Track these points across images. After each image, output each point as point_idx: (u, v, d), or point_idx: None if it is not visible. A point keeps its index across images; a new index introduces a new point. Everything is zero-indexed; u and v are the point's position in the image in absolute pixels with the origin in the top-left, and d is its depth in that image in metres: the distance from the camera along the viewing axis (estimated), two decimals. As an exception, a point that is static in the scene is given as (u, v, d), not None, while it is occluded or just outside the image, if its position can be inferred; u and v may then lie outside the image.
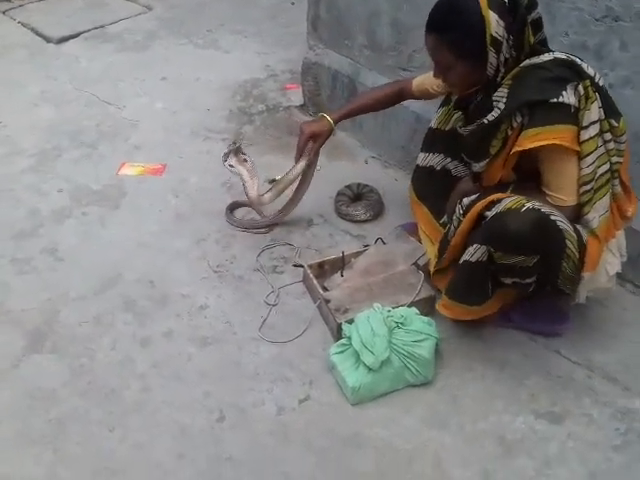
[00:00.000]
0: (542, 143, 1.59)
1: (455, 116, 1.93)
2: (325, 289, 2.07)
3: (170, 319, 2.03)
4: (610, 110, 1.65)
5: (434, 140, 2.07)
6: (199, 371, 1.88)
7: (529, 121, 1.61)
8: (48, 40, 3.68)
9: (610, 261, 1.75)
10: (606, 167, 1.67)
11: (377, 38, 2.55)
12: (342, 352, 1.82)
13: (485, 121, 1.69)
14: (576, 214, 1.68)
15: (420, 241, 2.15)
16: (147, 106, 3.11)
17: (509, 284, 1.76)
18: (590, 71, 1.63)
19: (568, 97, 1.57)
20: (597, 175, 1.65)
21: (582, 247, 1.66)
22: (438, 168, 2.09)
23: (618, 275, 2.00)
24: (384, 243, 2.22)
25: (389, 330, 1.78)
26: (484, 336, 1.93)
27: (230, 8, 3.99)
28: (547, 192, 1.68)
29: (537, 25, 1.65)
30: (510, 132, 1.67)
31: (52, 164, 2.72)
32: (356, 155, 2.77)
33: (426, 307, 1.97)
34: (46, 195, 2.55)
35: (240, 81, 3.28)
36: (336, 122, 2.16)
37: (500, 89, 1.67)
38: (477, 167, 1.80)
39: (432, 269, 1.96)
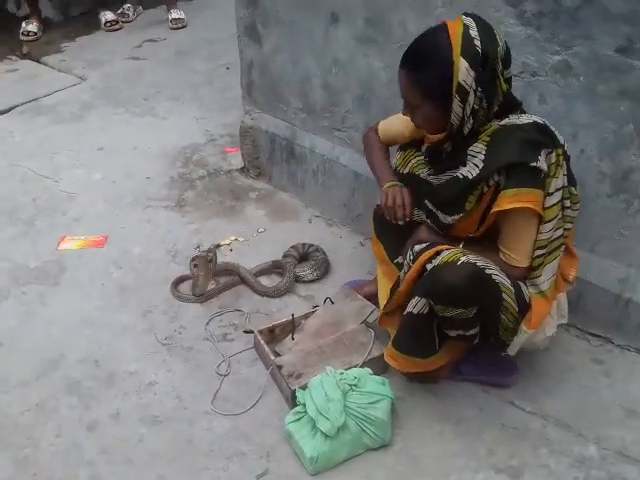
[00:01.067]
0: (519, 205, 1.61)
1: (413, 161, 1.90)
2: (277, 354, 2.05)
3: (118, 399, 1.96)
4: (570, 178, 1.71)
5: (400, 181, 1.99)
6: (151, 452, 1.81)
7: (506, 182, 1.63)
8: (-20, 115, 3.62)
9: (549, 322, 1.77)
10: (560, 232, 1.72)
11: (310, 101, 2.62)
12: (298, 420, 1.79)
13: (460, 175, 1.70)
14: (525, 276, 1.72)
15: (368, 298, 2.16)
16: (85, 177, 3.06)
17: (454, 337, 1.78)
18: (561, 139, 1.68)
19: (542, 163, 1.60)
20: (550, 240, 1.70)
21: (520, 300, 1.69)
22: None
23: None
24: (332, 303, 2.23)
25: (343, 393, 1.76)
26: (438, 391, 1.93)
27: (166, 75, 4.01)
28: (503, 249, 1.71)
29: (509, 83, 1.67)
30: (485, 189, 1.68)
31: (-13, 244, 2.64)
32: (300, 215, 2.80)
33: (379, 366, 1.97)
34: (-19, 277, 2.46)
35: (179, 147, 3.28)
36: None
37: (476, 144, 1.67)
38: (449, 220, 1.78)
39: (381, 310, 1.96)
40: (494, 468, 1.73)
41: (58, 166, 3.15)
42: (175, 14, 4.68)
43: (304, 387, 1.84)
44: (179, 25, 4.66)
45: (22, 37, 4.51)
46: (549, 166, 1.63)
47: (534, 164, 1.59)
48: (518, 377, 1.95)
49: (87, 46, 4.48)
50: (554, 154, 1.63)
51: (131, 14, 4.83)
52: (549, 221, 1.67)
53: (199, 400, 1.95)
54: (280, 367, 1.94)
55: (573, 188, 1.71)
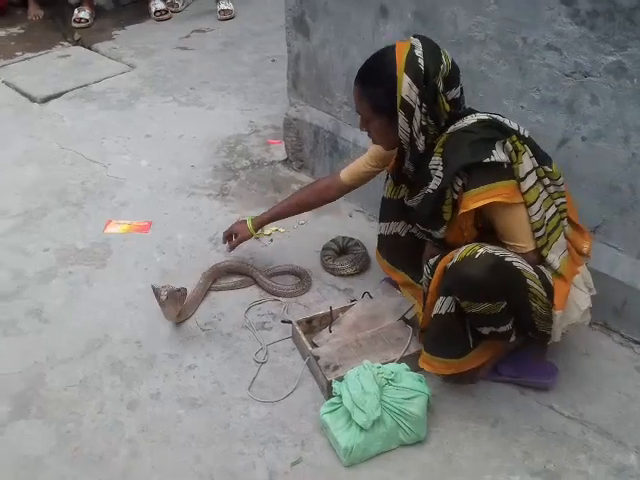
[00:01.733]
0: (484, 202, 1.64)
1: (402, 190, 2.00)
2: (314, 345, 2.06)
3: (158, 380, 2.01)
4: (541, 157, 1.72)
5: (390, 209, 2.10)
6: (188, 434, 1.85)
7: (468, 183, 1.66)
8: (32, 99, 3.71)
9: (579, 296, 1.77)
10: (553, 210, 1.74)
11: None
12: (333, 411, 1.80)
13: (430, 191, 1.75)
14: (539, 258, 1.72)
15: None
16: (132, 164, 3.13)
17: (487, 334, 1.77)
18: (514, 126, 1.70)
19: (499, 155, 1.62)
20: (546, 219, 1.71)
21: (548, 286, 1.70)
22: (403, 234, 2.12)
23: (605, 326, 2.03)
24: (371, 297, 2.23)
25: (380, 387, 1.77)
26: (475, 391, 1.92)
27: (213, 66, 4.06)
28: (505, 243, 1.73)
29: (456, 104, 1.72)
30: (456, 196, 1.71)
31: (37, 224, 2.72)
32: (341, 209, 2.81)
33: (416, 363, 1.96)
34: (31, 255, 2.54)
35: (224, 137, 3.32)
36: (256, 228, 2.35)
37: (433, 157, 1.74)
38: (438, 234, 1.83)
39: (418, 330, 2.00)
40: (530, 471, 1.72)
41: (106, 151, 3.22)
42: (224, 5, 4.73)
43: (340, 379, 1.85)
44: (227, 16, 4.71)
45: (74, 24, 4.61)
46: (509, 154, 1.64)
47: (487, 160, 1.61)
48: (557, 380, 1.93)
49: (137, 34, 4.57)
50: (508, 142, 1.64)
51: (180, 4, 4.90)
52: (533, 203, 1.68)
53: (236, 386, 1.99)
54: (317, 358, 1.96)
55: (546, 166, 1.71)
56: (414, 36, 1.72)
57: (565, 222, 1.79)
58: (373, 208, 2.72)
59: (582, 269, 1.82)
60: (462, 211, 1.68)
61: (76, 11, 4.65)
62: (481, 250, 1.63)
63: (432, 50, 1.68)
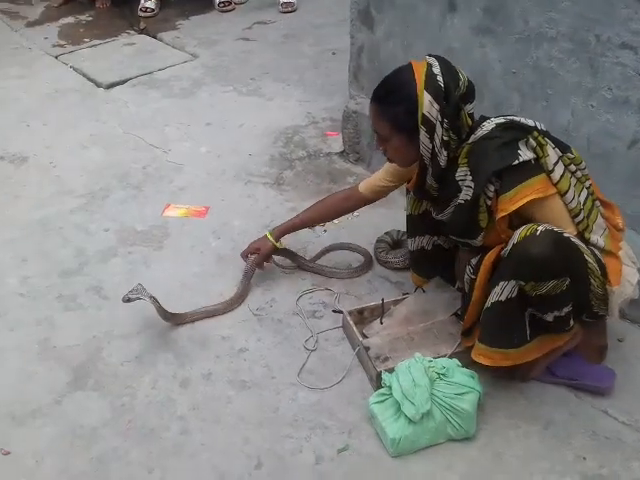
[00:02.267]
0: (522, 202, 1.67)
1: (424, 203, 2.03)
2: (364, 336, 2.07)
3: (210, 361, 2.05)
4: (561, 146, 1.75)
5: (415, 224, 2.13)
6: (238, 415, 1.88)
7: (502, 187, 1.68)
8: (98, 85, 3.83)
9: (627, 272, 1.77)
10: (585, 193, 1.76)
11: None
12: (382, 402, 1.80)
13: (461, 201, 1.77)
14: (582, 241, 1.72)
15: None
16: (192, 150, 3.19)
17: (550, 321, 1.74)
18: (530, 122, 1.73)
19: (525, 154, 1.66)
20: (582, 204, 1.73)
21: (600, 263, 1.70)
22: (429, 248, 2.13)
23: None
24: (424, 291, 2.22)
25: (430, 381, 1.76)
26: (527, 391, 1.89)
27: (274, 57, 4.10)
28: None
29: (471, 116, 1.76)
30: (489, 202, 1.73)
31: (100, 204, 2.80)
32: (395, 202, 2.78)
33: (468, 358, 1.95)
34: (93, 234, 2.62)
35: (282, 128, 3.35)
36: (276, 239, 2.32)
37: (459, 169, 1.76)
38: (476, 242, 1.83)
39: (460, 332, 1.98)
40: (582, 475, 1.68)
41: (168, 137, 3.30)
42: (286, -3, 4.77)
43: (390, 371, 1.85)
44: (289, 9, 4.75)
45: (140, 13, 4.73)
46: (534, 150, 1.67)
47: (516, 162, 1.64)
48: (614, 385, 1.88)
49: (200, 25, 4.64)
50: (531, 139, 1.67)
51: (243, -4, 4.96)
52: (567, 191, 1.70)
53: (286, 371, 2.01)
54: (367, 348, 1.97)
55: (569, 153, 1.74)
56: (429, 55, 1.77)
57: (597, 202, 1.80)
58: (429, 203, 2.71)
59: (623, 244, 1.83)
60: (501, 214, 1.70)
61: (142, 0, 4.76)
62: (540, 227, 1.64)
63: (449, 68, 1.73)
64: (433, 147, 1.74)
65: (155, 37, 4.49)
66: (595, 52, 1.94)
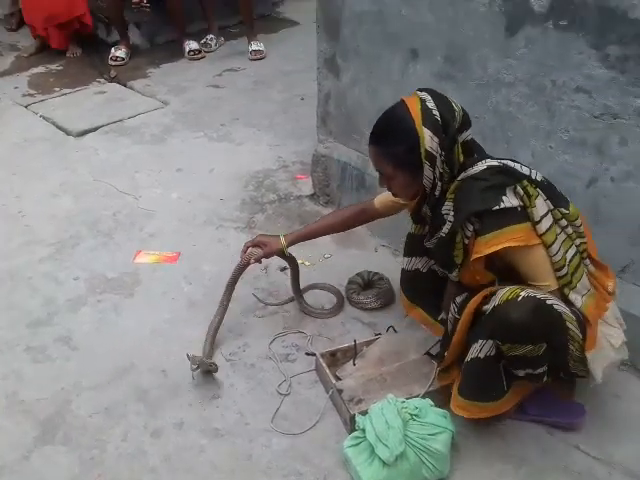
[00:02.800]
0: (497, 248, 1.67)
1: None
2: (338, 378, 2.07)
3: (182, 409, 2.03)
4: (557, 199, 1.75)
5: (414, 244, 2.14)
6: (211, 464, 1.85)
7: (480, 228, 1.70)
8: (68, 133, 3.83)
9: (611, 333, 1.77)
10: (573, 250, 1.76)
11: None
12: (356, 445, 1.79)
13: (442, 235, 1.81)
14: (561, 296, 1.73)
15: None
16: (163, 196, 3.20)
17: (522, 376, 1.76)
18: (525, 170, 1.74)
19: (510, 201, 1.66)
20: (568, 260, 1.73)
21: (582, 327, 1.70)
22: (424, 270, 2.15)
23: (635, 367, 2.01)
24: (395, 331, 2.24)
25: (404, 422, 1.76)
26: (500, 429, 1.90)
27: (244, 103, 4.16)
28: (532, 284, 1.73)
29: (467, 145, 1.77)
30: (467, 241, 1.75)
31: (70, 253, 2.78)
32: (366, 243, 2.83)
33: (440, 399, 1.95)
34: (62, 284, 2.59)
35: (252, 172, 3.38)
36: (289, 244, 2.27)
37: (446, 203, 1.79)
38: (452, 277, 1.88)
39: (436, 369, 1.99)
40: (556, 512, 1.69)
41: (138, 184, 3.31)
42: (255, 46, 4.87)
43: (364, 413, 1.85)
44: (258, 56, 4.84)
45: (111, 62, 4.78)
46: (522, 198, 1.67)
47: (497, 207, 1.65)
48: (585, 420, 1.90)
49: (171, 73, 4.70)
50: (519, 187, 1.68)
51: (213, 44, 5.04)
52: (552, 244, 1.70)
53: (259, 417, 1.99)
54: (341, 391, 1.96)
55: (562, 208, 1.74)
56: (419, 90, 1.79)
57: (587, 261, 1.80)
58: (398, 244, 2.73)
59: (611, 305, 1.82)
60: (475, 256, 1.72)
61: (113, 50, 4.82)
62: (523, 293, 1.64)
63: (442, 100, 1.75)
64: (434, 178, 1.76)
65: (125, 85, 4.52)
66: (551, 96, 2.02)
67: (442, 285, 2.06)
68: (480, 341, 1.74)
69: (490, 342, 1.72)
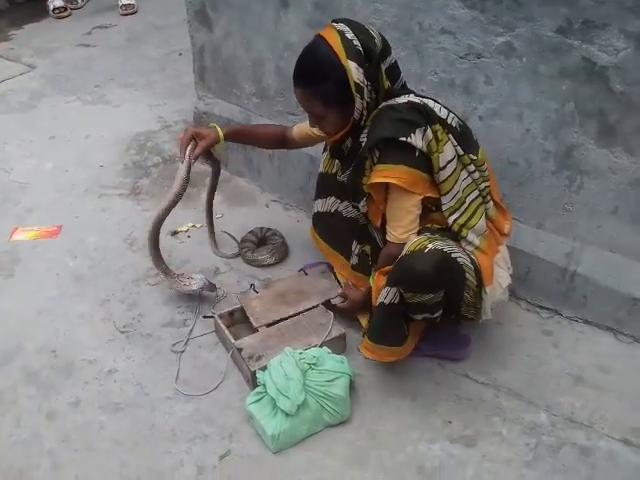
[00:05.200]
0: (386, 180, 1.71)
1: (337, 160, 2.02)
2: (236, 337, 2.06)
3: (77, 388, 1.96)
4: (468, 145, 1.79)
5: (324, 184, 2.14)
6: (112, 439, 1.81)
7: (379, 157, 1.73)
8: None
9: (500, 275, 1.86)
10: (475, 194, 1.82)
11: (264, 85, 2.62)
12: (258, 400, 1.81)
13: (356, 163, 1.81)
14: (398, 253, 1.76)
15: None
16: (36, 167, 3.01)
17: (419, 319, 1.83)
18: (442, 113, 1.76)
19: (416, 140, 1.68)
20: (467, 204, 1.79)
21: (478, 273, 1.76)
22: (332, 210, 2.15)
23: (512, 294, 2.14)
24: (306, 274, 2.26)
25: (302, 372, 1.80)
26: (396, 368, 1.98)
27: (117, 61, 3.94)
28: (387, 228, 1.81)
29: (393, 70, 1.77)
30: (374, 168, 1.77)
31: None
32: (257, 200, 2.81)
33: (338, 346, 2.01)
34: None
35: (133, 134, 3.24)
36: (226, 135, 2.12)
37: (364, 131, 1.79)
38: (361, 207, 1.90)
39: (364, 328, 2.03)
40: (449, 438, 1.79)
41: (8, 156, 3.08)
42: (125, 0, 4.60)
43: (264, 368, 1.86)
44: (129, 11, 4.58)
45: (-35, 25, 4.37)
46: (429, 143, 1.70)
47: (404, 139, 1.67)
48: (471, 350, 2.01)
49: (35, 34, 4.37)
50: (429, 131, 1.70)
51: (80, 0, 4.72)
52: (448, 192, 1.76)
53: (160, 385, 1.96)
54: (240, 350, 1.96)
55: (471, 154, 1.78)
56: (334, 21, 1.74)
57: (490, 205, 1.87)
58: (289, 197, 2.74)
59: (502, 248, 1.91)
60: (366, 183, 1.75)
61: (-34, 11, 4.41)
62: (430, 245, 1.67)
63: (360, 28, 1.71)
64: (362, 109, 1.74)
65: (-15, 50, 4.17)
66: (420, 39, 2.05)
67: (346, 228, 2.08)
68: (386, 287, 1.77)
69: (394, 289, 1.76)
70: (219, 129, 2.11)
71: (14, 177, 2.93)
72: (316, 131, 2.04)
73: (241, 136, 2.25)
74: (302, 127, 2.15)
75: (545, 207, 2.06)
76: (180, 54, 3.93)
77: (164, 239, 2.53)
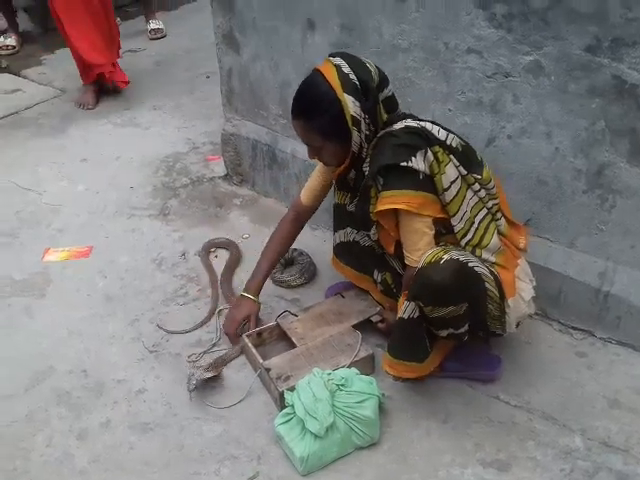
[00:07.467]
0: (393, 206, 1.72)
1: (347, 198, 2.04)
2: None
3: (107, 408, 1.97)
4: (471, 165, 1.79)
5: (339, 215, 2.14)
6: (142, 460, 1.82)
7: (383, 185, 1.74)
8: (-40, 130, 3.60)
9: (523, 287, 1.84)
10: (484, 213, 1.82)
11: (290, 107, 2.62)
12: (287, 422, 1.80)
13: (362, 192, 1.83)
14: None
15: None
16: (68, 189, 3.07)
17: (444, 336, 1.81)
18: (441, 135, 1.76)
19: (417, 163, 1.68)
20: (476, 223, 1.79)
21: (499, 285, 1.75)
22: (351, 240, 2.13)
23: (544, 314, 2.11)
24: (343, 297, 2.25)
25: (331, 393, 1.78)
26: (424, 389, 1.95)
27: (147, 85, 4.02)
28: (405, 253, 1.80)
29: (390, 101, 1.81)
30: (379, 195, 1.77)
31: (-30, 257, 2.63)
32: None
33: (366, 367, 1.99)
34: (-35, 290, 2.46)
35: (162, 156, 3.29)
36: (259, 295, 2.19)
37: (367, 161, 1.83)
38: (372, 235, 1.92)
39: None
40: (482, 462, 1.76)
41: (41, 178, 3.15)
42: (154, 24, 4.70)
43: (292, 389, 1.86)
44: (158, 35, 4.68)
45: (0, 51, 4.49)
46: (430, 165, 1.71)
47: (405, 164, 1.68)
48: (502, 371, 1.98)
49: (67, 59, 4.44)
50: (430, 153, 1.71)
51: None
52: (455, 213, 1.76)
53: (189, 406, 1.97)
54: (268, 370, 1.96)
55: (475, 174, 1.78)
56: (331, 55, 1.79)
57: (501, 222, 1.86)
58: (316, 217, 2.73)
59: (521, 261, 1.89)
60: (374, 211, 1.76)
61: (2, 38, 4.53)
62: (445, 256, 1.67)
63: (356, 62, 1.76)
64: (361, 142, 1.78)
65: (19, 74, 4.28)
66: (446, 59, 2.05)
67: (366, 256, 2.07)
68: (405, 302, 1.77)
69: (413, 304, 1.75)
70: (251, 297, 2.16)
71: (46, 199, 2.99)
72: (323, 180, 2.08)
73: (267, 276, 2.25)
74: (307, 188, 2.17)
75: (577, 226, 2.03)
76: (208, 77, 4.00)
77: (192, 259, 2.56)
